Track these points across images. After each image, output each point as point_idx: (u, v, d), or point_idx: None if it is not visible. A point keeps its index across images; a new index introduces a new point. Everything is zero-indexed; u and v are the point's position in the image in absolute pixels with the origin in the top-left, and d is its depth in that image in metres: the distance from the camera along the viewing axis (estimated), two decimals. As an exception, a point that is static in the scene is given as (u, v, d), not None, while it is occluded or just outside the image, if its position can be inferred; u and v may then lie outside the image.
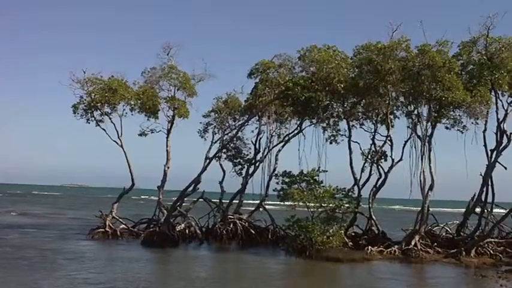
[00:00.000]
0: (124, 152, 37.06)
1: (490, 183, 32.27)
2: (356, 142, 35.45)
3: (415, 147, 32.62)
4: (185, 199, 37.00)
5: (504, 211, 31.25)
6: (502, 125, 31.33)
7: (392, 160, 34.07)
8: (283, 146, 37.45)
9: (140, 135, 37.93)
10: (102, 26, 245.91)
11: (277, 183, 32.70)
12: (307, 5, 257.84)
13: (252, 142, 39.42)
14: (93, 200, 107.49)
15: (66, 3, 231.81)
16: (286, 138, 37.47)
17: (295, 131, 36.94)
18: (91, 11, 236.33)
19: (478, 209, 32.98)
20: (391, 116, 34.68)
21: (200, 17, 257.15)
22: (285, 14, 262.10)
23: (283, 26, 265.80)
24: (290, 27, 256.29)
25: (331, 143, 36.83)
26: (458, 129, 33.37)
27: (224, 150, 39.66)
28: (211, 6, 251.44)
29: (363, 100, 34.70)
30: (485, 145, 32.12)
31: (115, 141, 36.78)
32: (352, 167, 34.85)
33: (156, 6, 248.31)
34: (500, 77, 29.75)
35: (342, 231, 30.99)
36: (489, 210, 32.70)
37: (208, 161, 36.97)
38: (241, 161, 39.84)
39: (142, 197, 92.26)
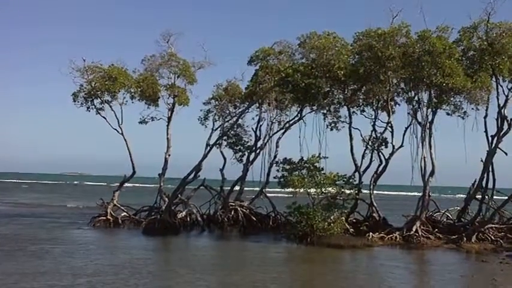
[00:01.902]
0: (125, 140, 37.16)
1: (490, 169, 32.29)
2: (357, 129, 35.54)
3: (415, 133, 32.65)
4: (186, 186, 37.07)
5: (505, 197, 31.36)
6: (502, 111, 31.23)
7: (393, 146, 34.04)
8: (283, 133, 37.55)
9: (141, 123, 38.10)
10: (102, 18, 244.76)
11: (278, 170, 32.84)
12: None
13: (253, 129, 39.54)
14: (93, 188, 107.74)
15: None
16: (287, 125, 37.48)
17: (296, 118, 36.98)
18: (90, 4, 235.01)
19: (478, 195, 33.04)
20: (392, 103, 34.59)
21: (200, 7, 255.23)
22: (284, 2, 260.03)
23: (283, 14, 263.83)
24: (290, 14, 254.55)
25: (331, 129, 36.83)
26: (459, 115, 33.41)
27: (225, 138, 39.67)
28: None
29: (364, 87, 34.55)
30: (486, 131, 32.10)
31: (115, 129, 36.86)
32: (352, 154, 34.92)
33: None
34: (500, 63, 29.65)
35: (343, 218, 31.13)
36: (490, 196, 32.76)
37: (209, 148, 37.06)
38: (242, 148, 39.92)
39: (143, 185, 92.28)
